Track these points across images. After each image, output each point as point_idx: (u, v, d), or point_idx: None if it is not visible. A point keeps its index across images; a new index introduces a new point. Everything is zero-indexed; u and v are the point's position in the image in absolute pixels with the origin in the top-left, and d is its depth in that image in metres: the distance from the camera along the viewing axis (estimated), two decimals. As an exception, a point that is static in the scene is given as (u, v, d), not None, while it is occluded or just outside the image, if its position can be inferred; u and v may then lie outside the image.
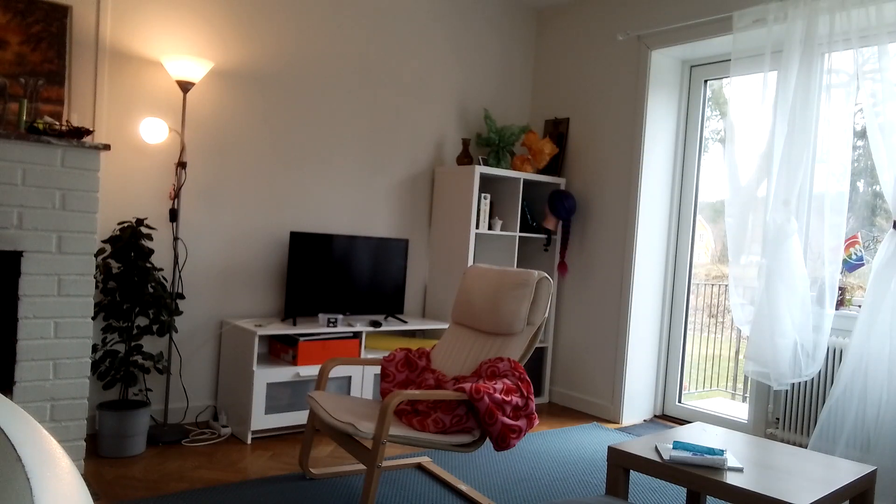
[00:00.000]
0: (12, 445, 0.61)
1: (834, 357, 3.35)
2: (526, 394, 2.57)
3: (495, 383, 2.54)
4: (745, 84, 3.63)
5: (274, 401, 3.38)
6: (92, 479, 2.74)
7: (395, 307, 4.03)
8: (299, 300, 3.65)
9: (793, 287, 3.31)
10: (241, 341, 3.40)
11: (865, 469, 2.23)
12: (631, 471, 2.28)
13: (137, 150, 3.34)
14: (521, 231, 4.42)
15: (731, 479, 2.01)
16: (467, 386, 2.50)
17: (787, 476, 2.09)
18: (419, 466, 3.12)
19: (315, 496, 2.71)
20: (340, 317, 3.65)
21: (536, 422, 2.59)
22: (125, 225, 3.13)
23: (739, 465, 2.11)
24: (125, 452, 3.01)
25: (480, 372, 2.74)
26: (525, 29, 4.87)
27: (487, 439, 2.53)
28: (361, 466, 3.03)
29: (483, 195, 4.23)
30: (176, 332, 3.35)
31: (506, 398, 2.49)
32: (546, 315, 2.84)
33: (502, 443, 2.47)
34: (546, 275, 2.86)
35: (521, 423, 2.52)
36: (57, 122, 2.63)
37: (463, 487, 2.86)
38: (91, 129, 2.71)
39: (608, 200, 4.35)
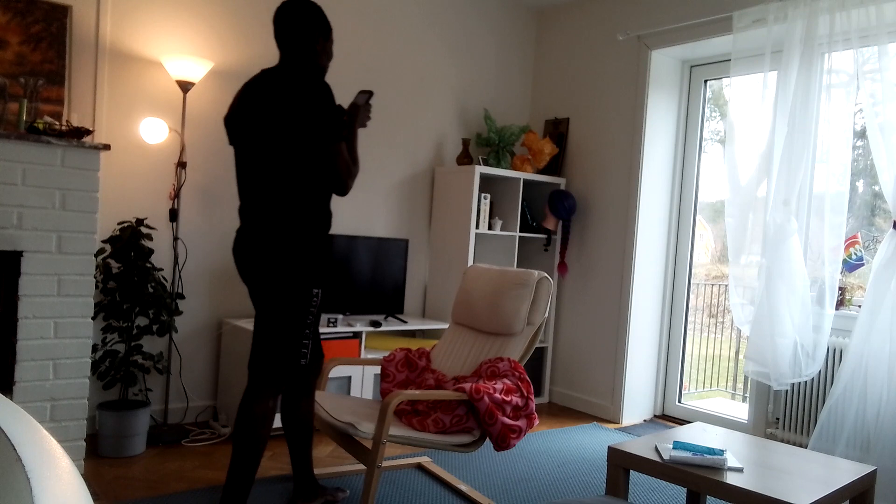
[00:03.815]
0: (12, 445, 0.61)
1: (834, 357, 3.35)
2: (526, 394, 2.57)
3: (495, 383, 2.54)
4: (745, 84, 3.63)
5: (274, 401, 3.37)
6: (92, 479, 2.74)
7: (395, 307, 4.03)
8: (299, 300, 3.64)
9: (793, 287, 3.31)
10: (241, 341, 3.40)
11: (865, 469, 2.23)
12: (631, 471, 2.28)
13: (137, 150, 3.34)
14: (521, 231, 4.42)
15: (731, 479, 2.01)
16: (467, 386, 2.49)
17: (787, 476, 2.09)
18: (419, 466, 3.12)
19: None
20: (340, 317, 3.65)
21: (536, 422, 2.59)
22: (125, 225, 3.14)
23: (739, 465, 2.11)
24: (125, 452, 3.01)
25: (480, 372, 2.74)
26: (525, 29, 4.87)
27: (487, 439, 2.53)
28: (361, 466, 3.03)
29: (483, 195, 4.23)
30: (176, 332, 3.35)
31: (506, 398, 2.49)
32: (546, 315, 2.84)
33: (502, 443, 2.47)
34: (546, 275, 2.86)
35: (521, 423, 2.52)
36: (57, 122, 2.62)
37: (463, 487, 2.86)
38: (91, 129, 2.71)
39: (608, 200, 4.35)
